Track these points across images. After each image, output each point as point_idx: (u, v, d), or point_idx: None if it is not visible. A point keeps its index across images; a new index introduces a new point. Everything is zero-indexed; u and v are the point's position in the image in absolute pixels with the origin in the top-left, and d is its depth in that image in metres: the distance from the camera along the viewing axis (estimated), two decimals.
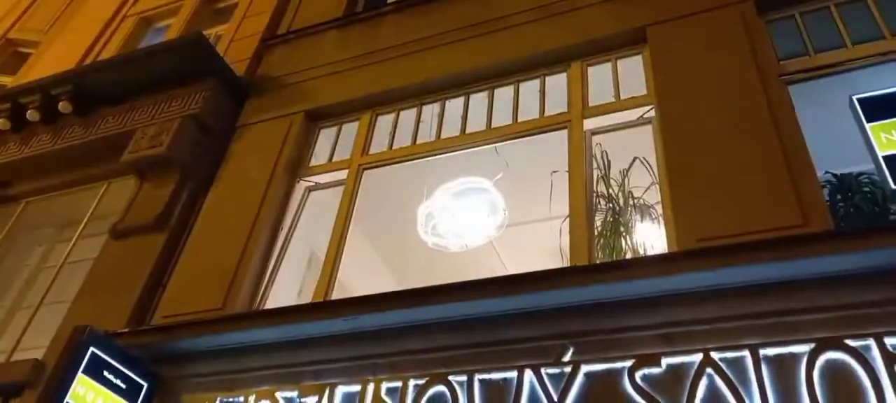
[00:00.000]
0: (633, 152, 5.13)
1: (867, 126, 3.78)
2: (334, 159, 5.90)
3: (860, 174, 4.67)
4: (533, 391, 3.69)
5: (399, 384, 3.99)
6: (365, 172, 5.62)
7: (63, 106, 6.57)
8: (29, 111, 6.66)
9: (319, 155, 6.02)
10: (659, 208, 4.61)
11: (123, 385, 4.17)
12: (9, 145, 6.83)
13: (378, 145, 5.78)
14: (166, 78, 6.33)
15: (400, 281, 4.47)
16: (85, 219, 6.17)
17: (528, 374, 3.73)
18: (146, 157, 5.79)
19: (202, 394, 4.41)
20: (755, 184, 3.90)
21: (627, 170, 5.29)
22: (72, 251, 6.02)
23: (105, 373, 4.06)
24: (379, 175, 5.69)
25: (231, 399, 4.31)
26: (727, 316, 3.50)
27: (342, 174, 5.67)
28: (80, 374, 3.87)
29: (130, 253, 5.39)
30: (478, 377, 3.84)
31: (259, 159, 5.84)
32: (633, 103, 4.87)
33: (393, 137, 5.75)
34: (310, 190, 5.84)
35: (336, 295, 4.86)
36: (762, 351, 3.34)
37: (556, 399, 3.60)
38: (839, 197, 4.68)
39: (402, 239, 6.29)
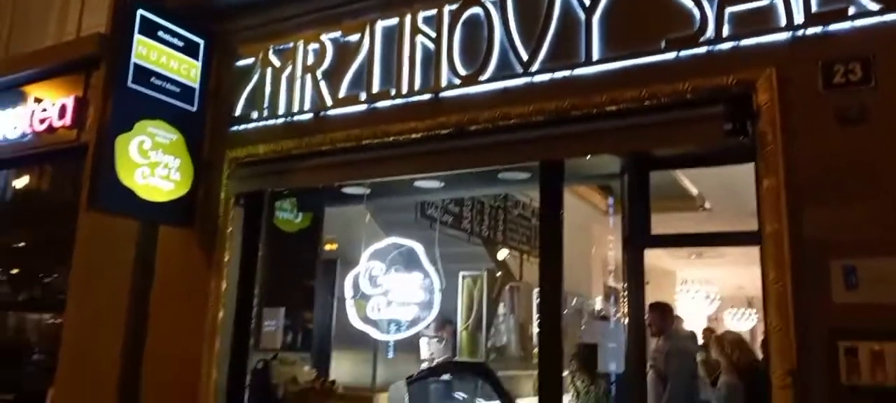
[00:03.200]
0: None
1: None
2: None
3: None
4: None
5: (434, 11, 4.06)
6: None
7: None
8: None
9: None
10: None
11: (181, 43, 4.46)
12: None
13: None
14: None
15: None
16: None
17: None
18: None
19: (256, 45, 4.68)
20: None
21: None
22: None
23: (160, 34, 4.33)
24: None
25: (282, 46, 4.57)
26: None
27: None
28: (137, 36, 4.15)
29: None
30: None
31: None
32: None
33: None
34: None
35: None
36: None
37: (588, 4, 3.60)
38: None
39: None
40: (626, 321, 3.85)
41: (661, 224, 4.11)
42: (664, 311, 5.30)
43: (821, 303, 2.89)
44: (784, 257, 2.98)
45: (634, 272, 3.92)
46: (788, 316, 2.94)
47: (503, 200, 6.69)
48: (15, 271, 6.35)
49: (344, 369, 5.67)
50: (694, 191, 6.22)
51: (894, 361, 2.72)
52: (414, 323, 4.45)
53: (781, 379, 2.90)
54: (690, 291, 11.05)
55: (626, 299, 3.89)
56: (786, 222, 3.00)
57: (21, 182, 6.17)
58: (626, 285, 3.91)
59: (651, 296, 5.77)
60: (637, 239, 3.96)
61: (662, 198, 6.79)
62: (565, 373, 4.43)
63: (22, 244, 6.13)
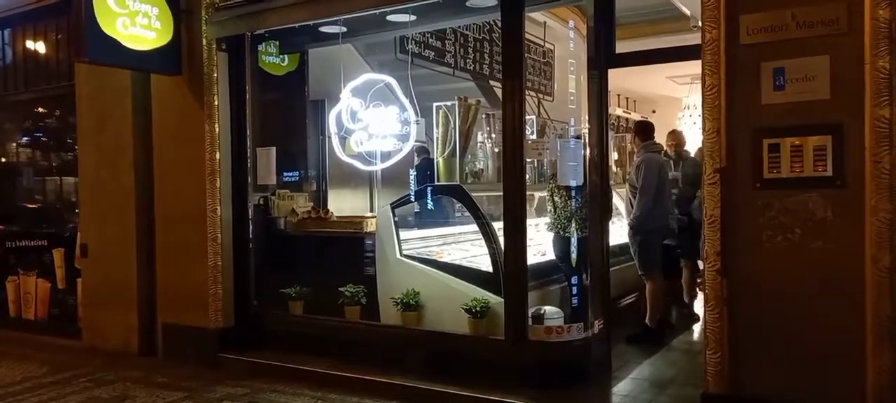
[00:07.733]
0: None
1: None
2: None
3: None
4: None
5: None
6: None
7: None
8: None
9: None
10: None
11: None
12: None
13: None
14: None
15: None
16: None
17: None
18: None
19: None
20: None
21: None
22: None
23: None
24: None
25: None
26: None
27: None
28: None
29: None
30: None
31: None
32: None
33: None
34: None
35: None
36: None
37: None
38: None
39: None
40: (587, 138, 4.07)
41: (655, 45, 4.16)
42: (644, 128, 5.52)
43: (750, 105, 3.07)
44: (720, 63, 3.11)
45: (597, 90, 4.08)
46: (721, 120, 3.12)
47: (488, 32, 6.65)
48: (40, 135, 6.77)
49: (346, 204, 6.09)
50: (686, 11, 6.19)
51: (811, 153, 2.93)
52: (394, 154, 4.71)
53: (711, 177, 3.15)
54: (694, 116, 11.13)
55: (587, 117, 4.09)
56: (723, 29, 3.10)
57: (21, 42, 6.37)
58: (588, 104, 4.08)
59: (658, 123, 5.98)
60: (601, 59, 4.07)
61: (657, 21, 6.76)
62: (545, 193, 4.73)
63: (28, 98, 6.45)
